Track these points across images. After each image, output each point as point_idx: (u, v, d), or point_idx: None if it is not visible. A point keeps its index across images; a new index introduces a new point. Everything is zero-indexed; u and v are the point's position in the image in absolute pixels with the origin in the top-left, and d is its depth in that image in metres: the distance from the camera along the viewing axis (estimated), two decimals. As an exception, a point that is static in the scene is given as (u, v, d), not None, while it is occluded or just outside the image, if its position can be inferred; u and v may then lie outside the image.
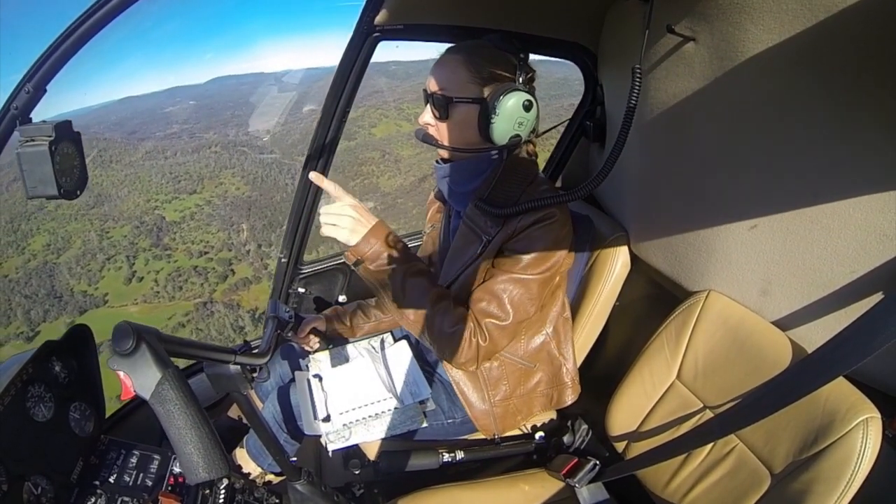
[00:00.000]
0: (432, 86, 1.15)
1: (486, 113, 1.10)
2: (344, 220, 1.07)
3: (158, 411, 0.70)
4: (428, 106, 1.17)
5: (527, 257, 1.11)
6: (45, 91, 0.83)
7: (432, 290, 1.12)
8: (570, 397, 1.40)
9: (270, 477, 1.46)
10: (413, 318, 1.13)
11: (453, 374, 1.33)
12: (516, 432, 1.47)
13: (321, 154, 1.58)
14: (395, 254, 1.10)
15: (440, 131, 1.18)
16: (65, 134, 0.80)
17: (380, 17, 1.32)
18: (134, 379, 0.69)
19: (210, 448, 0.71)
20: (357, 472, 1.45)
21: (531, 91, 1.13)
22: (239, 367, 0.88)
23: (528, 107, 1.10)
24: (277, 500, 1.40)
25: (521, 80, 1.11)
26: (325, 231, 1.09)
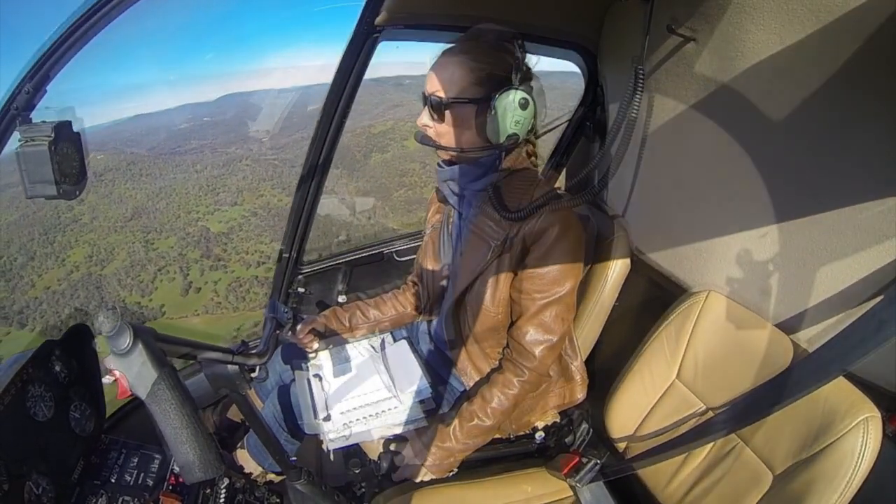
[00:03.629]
0: (429, 87, 1.15)
1: (482, 113, 1.11)
2: (407, 472, 1.25)
3: (154, 411, 0.70)
4: (426, 108, 1.17)
5: (553, 274, 1.16)
6: (45, 91, 0.83)
7: (476, 415, 1.22)
8: (580, 393, 1.41)
9: (271, 476, 1.46)
10: (500, 420, 1.25)
11: (467, 381, 1.36)
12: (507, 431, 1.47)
13: (320, 154, 1.58)
14: (444, 449, 1.23)
15: (438, 133, 1.18)
16: (64, 134, 0.80)
17: (380, 16, 1.31)
18: (130, 378, 0.69)
19: (205, 448, 0.71)
20: (357, 472, 1.45)
21: (528, 89, 1.12)
22: (237, 367, 0.88)
23: (524, 105, 1.09)
24: (278, 500, 1.40)
25: (517, 78, 1.10)
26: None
